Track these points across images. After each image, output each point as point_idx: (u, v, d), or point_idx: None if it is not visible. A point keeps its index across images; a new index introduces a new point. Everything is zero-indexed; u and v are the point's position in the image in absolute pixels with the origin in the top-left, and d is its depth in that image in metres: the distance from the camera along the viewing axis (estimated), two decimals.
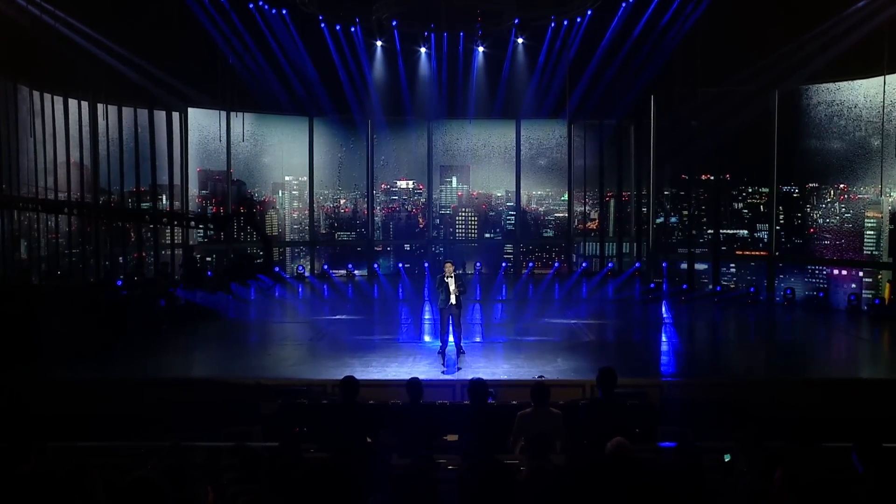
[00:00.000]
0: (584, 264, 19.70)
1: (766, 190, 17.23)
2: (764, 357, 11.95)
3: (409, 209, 21.14)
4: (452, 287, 10.45)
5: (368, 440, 6.11)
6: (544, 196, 21.09)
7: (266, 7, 17.16)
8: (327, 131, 20.10)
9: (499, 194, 21.19)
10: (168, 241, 17.46)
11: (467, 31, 18.47)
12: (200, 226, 12.91)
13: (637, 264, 18.74)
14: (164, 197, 17.47)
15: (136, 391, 9.13)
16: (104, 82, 15.04)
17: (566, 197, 20.39)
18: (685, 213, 18.36)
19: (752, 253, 17.53)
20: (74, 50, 14.01)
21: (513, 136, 20.28)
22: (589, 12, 17.55)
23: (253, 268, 12.40)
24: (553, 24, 18.09)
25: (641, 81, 17.47)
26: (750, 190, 17.87)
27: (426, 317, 14.34)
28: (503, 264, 20.02)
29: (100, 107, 15.42)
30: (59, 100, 14.77)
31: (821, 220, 16.43)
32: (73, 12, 13.94)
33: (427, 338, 12.31)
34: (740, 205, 17.96)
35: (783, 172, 16.71)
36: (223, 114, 18.18)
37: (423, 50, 19.28)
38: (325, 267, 19.70)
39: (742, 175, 17.80)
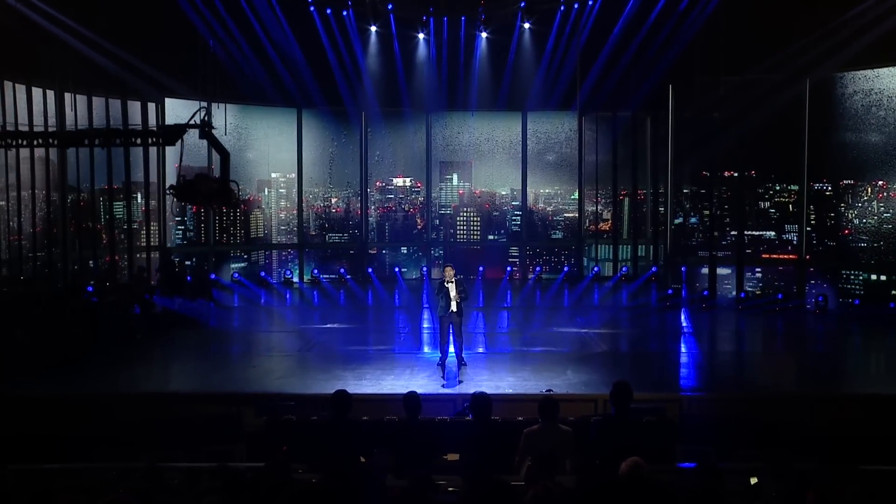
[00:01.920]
0: (595, 268, 19.71)
1: (796, 188, 17.22)
2: (794, 370, 11.92)
3: (406, 209, 21.15)
4: (453, 293, 10.46)
5: (362, 460, 6.12)
6: (553, 195, 21.11)
7: None
8: (317, 124, 20.11)
9: (503, 193, 21.21)
10: (144, 244, 17.47)
11: (469, 16, 18.51)
12: (150, 139, 12.75)
13: (654, 269, 18.75)
14: (139, 195, 17.48)
15: (108, 407, 9.11)
16: (72, 69, 15.00)
17: (576, 195, 20.40)
18: (706, 212, 18.35)
19: (780, 256, 17.51)
20: (38, 33, 13.96)
21: (519, 130, 20.30)
22: None
23: (210, 191, 12.15)
24: (563, 8, 18.12)
25: (659, 70, 17.46)
26: (777, 188, 17.86)
27: (425, 325, 14.35)
28: (508, 268, 20.02)
29: (67, 96, 15.37)
30: (21, 88, 14.73)
31: (856, 221, 16.42)
32: None
33: (426, 348, 12.31)
34: (767, 204, 17.95)
35: (814, 168, 16.67)
36: (204, 105, 18.14)
37: (421, 36, 19.31)
38: (315, 271, 19.70)
39: (769, 171, 17.78)
